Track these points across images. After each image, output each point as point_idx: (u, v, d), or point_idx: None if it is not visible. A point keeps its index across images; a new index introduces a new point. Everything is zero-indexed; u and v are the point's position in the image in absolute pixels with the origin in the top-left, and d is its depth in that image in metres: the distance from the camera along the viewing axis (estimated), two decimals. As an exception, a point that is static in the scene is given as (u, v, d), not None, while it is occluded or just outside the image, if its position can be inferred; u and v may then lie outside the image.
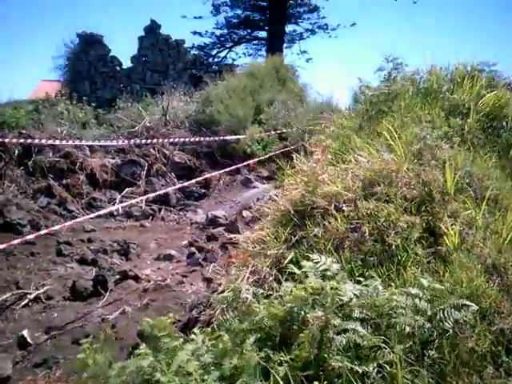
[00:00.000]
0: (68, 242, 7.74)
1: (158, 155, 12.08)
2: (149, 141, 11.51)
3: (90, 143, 10.97)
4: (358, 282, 3.27)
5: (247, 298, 3.06)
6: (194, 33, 26.60)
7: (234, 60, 27.91)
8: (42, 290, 5.73)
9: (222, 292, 3.73)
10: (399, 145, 4.55)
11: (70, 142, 10.36)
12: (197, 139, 12.16)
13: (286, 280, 3.44)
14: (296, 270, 3.29)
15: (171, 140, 11.80)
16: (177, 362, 2.56)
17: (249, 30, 30.13)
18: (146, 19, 21.01)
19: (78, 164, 10.96)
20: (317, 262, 3.31)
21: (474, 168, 4.60)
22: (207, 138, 12.13)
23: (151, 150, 12.05)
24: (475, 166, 4.69)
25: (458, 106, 5.94)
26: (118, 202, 10.51)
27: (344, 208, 3.93)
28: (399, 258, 3.57)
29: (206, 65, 21.51)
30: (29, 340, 4.56)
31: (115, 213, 10.18)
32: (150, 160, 11.82)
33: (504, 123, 5.92)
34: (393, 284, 3.30)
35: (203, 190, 11.45)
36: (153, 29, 20.60)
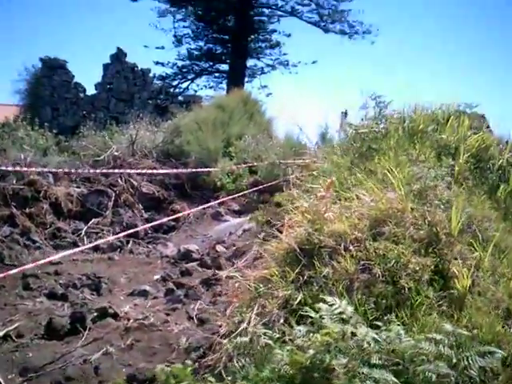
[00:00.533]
0: (35, 275, 7.33)
1: (125, 185, 11.74)
2: (119, 170, 11.19)
3: (58, 170, 10.55)
4: (374, 327, 3.13)
5: (265, 344, 2.85)
6: (156, 63, 26.48)
7: (195, 91, 27.86)
8: (11, 327, 5.32)
9: (227, 335, 3.52)
10: (399, 184, 4.48)
11: (40, 169, 9.94)
12: (167, 171, 11.91)
13: (299, 323, 3.25)
14: (312, 314, 3.10)
15: (143, 171, 11.52)
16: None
17: (211, 63, 30.21)
18: (109, 47, 20.86)
19: (42, 192, 10.51)
20: (331, 305, 3.16)
21: (472, 209, 4.57)
22: (177, 170, 11.90)
23: (118, 179, 11.72)
24: (472, 207, 4.66)
25: (445, 146, 5.97)
26: (83, 233, 10.12)
27: (351, 248, 3.80)
28: (412, 301, 3.45)
29: (172, 95, 21.30)
30: (3, 382, 4.18)
31: (80, 245, 9.78)
32: (117, 190, 11.46)
33: (490, 165, 5.98)
34: (412, 329, 3.16)
35: (172, 223, 11.13)
36: (118, 57, 20.32)
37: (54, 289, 6.78)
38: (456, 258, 3.83)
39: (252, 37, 28.93)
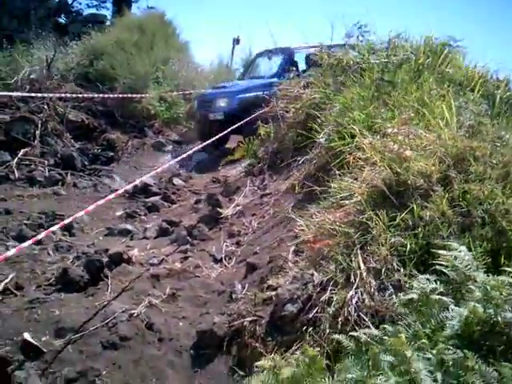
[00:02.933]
0: (-14, 215, 6.46)
1: (51, 112, 10.62)
2: (48, 94, 10.06)
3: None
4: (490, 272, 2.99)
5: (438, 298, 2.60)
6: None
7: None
8: (7, 279, 4.63)
9: (322, 287, 3.23)
10: (453, 120, 4.31)
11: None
12: (98, 95, 10.91)
13: (423, 271, 3.04)
14: (446, 262, 2.89)
15: (74, 95, 10.44)
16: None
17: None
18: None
19: (-41, 120, 9.24)
20: (460, 251, 2.99)
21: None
22: (110, 95, 10.93)
23: (45, 105, 10.55)
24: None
25: (452, 80, 5.86)
26: (14, 164, 9.08)
27: (438, 189, 3.61)
28: (516, 244, 3.34)
29: (72, 13, 19.29)
30: (40, 347, 3.60)
31: (12, 177, 8.79)
32: (43, 117, 10.33)
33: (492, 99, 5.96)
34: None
35: (110, 153, 10.32)
36: (9, -32, 17.87)
37: (23, 231, 6.02)
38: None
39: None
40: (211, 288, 4.22)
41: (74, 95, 10.78)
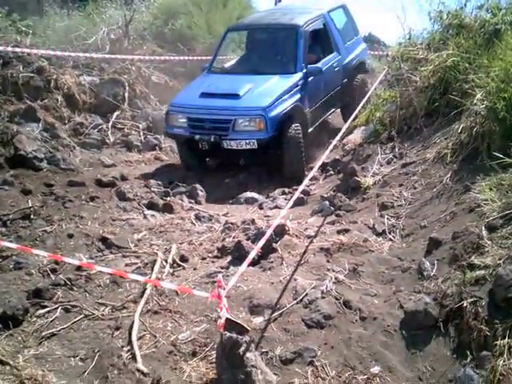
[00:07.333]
0: (112, 183, 6.41)
1: (136, 74, 10.50)
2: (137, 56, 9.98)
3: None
4: None
5: None
6: None
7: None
8: (173, 251, 4.61)
9: None
10: None
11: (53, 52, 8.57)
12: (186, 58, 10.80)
13: None
14: None
15: (163, 57, 10.35)
16: None
17: None
18: None
19: (52, 82, 9.15)
20: None
21: None
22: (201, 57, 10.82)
23: (131, 67, 10.42)
24: None
25: None
26: (109, 128, 9.05)
27: None
28: None
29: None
30: (244, 325, 3.49)
31: (108, 141, 8.76)
32: (129, 79, 10.21)
33: None
34: None
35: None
36: None
37: (153, 198, 6.00)
38: None
39: None
40: (391, 264, 4.09)
41: (158, 57, 10.68)
